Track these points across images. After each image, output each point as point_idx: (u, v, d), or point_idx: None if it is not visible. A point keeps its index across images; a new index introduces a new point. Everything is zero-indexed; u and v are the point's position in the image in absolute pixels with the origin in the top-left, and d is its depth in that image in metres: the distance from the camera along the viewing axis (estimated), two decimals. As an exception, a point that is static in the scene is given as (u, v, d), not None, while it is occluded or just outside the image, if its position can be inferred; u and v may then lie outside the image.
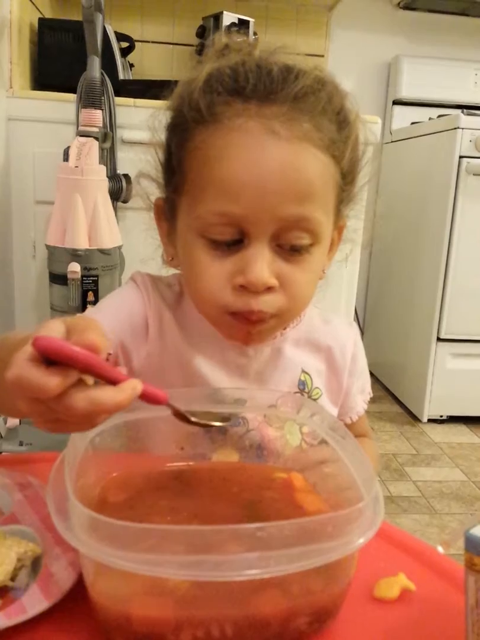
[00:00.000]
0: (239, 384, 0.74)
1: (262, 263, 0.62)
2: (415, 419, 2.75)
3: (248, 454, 0.65)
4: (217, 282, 0.64)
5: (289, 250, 0.64)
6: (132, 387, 0.44)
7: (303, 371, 0.78)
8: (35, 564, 0.52)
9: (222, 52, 0.67)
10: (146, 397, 0.46)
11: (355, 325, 0.85)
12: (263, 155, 0.60)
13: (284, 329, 0.76)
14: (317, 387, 0.79)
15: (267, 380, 0.76)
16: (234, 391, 0.68)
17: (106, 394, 0.42)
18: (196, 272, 0.66)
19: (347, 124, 0.66)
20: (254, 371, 0.75)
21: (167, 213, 0.71)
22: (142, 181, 0.74)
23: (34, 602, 0.48)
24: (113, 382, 0.43)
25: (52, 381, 0.40)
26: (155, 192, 0.74)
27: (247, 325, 0.66)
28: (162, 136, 0.70)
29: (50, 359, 0.41)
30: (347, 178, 0.67)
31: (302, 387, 0.77)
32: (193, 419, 0.53)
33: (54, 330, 0.43)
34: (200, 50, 2.50)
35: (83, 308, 1.61)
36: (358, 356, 0.82)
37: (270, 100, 0.61)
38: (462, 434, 2.64)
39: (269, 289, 0.63)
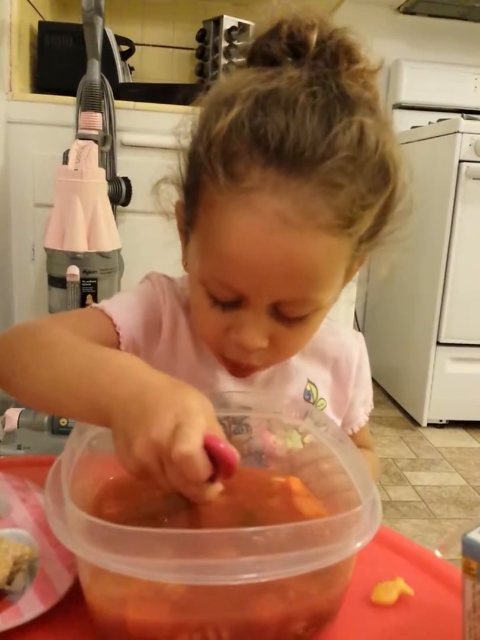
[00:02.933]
0: None
1: (255, 329, 0.61)
2: (414, 423, 2.75)
3: (248, 460, 0.65)
4: (215, 329, 0.64)
5: (288, 318, 0.62)
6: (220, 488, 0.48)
7: (309, 381, 0.77)
8: (32, 567, 0.52)
9: (271, 34, 0.60)
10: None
11: (361, 336, 0.84)
12: (269, 242, 0.55)
13: None
14: (322, 398, 0.78)
15: (273, 389, 0.76)
16: (240, 396, 0.67)
17: (211, 491, 0.47)
18: (197, 311, 0.67)
19: (383, 184, 0.59)
20: (260, 380, 0.75)
21: (184, 222, 0.68)
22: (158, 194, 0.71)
23: (30, 605, 0.48)
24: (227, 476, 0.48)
25: (207, 473, 0.45)
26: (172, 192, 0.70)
27: (237, 371, 0.68)
28: (185, 142, 0.64)
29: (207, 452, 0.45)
30: (365, 236, 0.62)
31: (308, 397, 0.77)
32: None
33: (204, 410, 0.48)
34: (200, 53, 2.51)
35: (82, 311, 1.60)
36: (363, 368, 0.81)
37: (293, 174, 0.54)
38: (461, 439, 2.64)
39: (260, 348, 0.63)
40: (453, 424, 2.73)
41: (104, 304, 0.71)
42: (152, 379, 0.50)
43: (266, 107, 0.55)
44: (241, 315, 0.61)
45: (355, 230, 0.58)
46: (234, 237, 0.57)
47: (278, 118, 0.54)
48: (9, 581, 0.50)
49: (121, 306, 0.72)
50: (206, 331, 0.66)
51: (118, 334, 0.69)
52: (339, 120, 0.55)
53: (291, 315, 0.61)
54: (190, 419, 0.45)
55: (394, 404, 2.96)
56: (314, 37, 0.59)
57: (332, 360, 0.79)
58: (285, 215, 0.54)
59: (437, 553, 0.57)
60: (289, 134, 0.54)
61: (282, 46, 0.59)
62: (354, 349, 0.81)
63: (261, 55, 0.61)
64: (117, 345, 0.69)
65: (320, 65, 0.58)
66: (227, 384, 0.73)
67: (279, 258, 0.56)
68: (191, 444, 0.44)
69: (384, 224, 0.63)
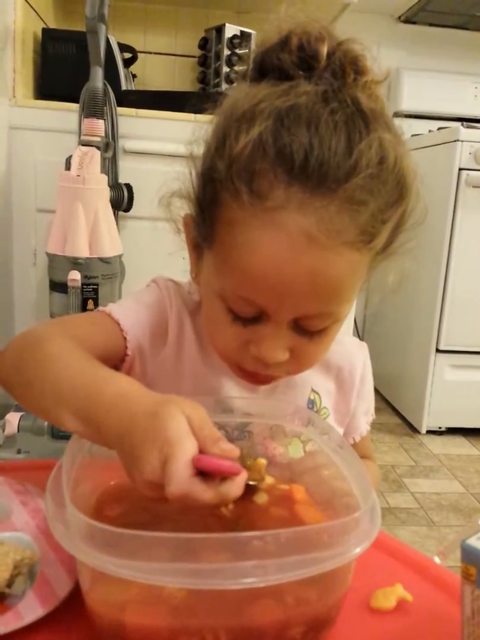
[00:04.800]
0: None
1: (276, 343, 0.60)
2: (414, 430, 2.75)
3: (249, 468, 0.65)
4: (233, 343, 0.63)
5: (308, 331, 0.62)
6: (243, 479, 0.48)
7: (313, 390, 0.77)
8: (32, 571, 0.52)
9: (280, 45, 0.59)
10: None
11: (365, 346, 0.83)
12: (295, 261, 0.55)
13: None
14: (325, 407, 0.78)
15: (277, 398, 0.75)
16: (243, 402, 0.68)
17: (231, 489, 0.47)
18: (214, 326, 0.65)
19: (401, 198, 0.60)
20: (264, 389, 0.74)
21: (195, 238, 0.67)
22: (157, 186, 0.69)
23: (30, 609, 0.48)
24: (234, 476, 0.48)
25: (208, 495, 0.45)
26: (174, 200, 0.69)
27: (253, 381, 0.68)
28: (197, 151, 0.64)
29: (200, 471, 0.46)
30: (381, 249, 0.62)
31: (311, 406, 0.76)
32: (250, 482, 0.55)
33: (187, 430, 0.47)
34: (203, 61, 2.52)
35: (83, 316, 1.60)
36: (366, 378, 0.81)
37: (318, 192, 0.54)
38: (460, 446, 2.64)
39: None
40: (452, 431, 2.73)
41: (111, 307, 0.71)
42: (139, 408, 0.49)
43: (289, 126, 0.55)
44: (262, 329, 0.61)
45: (376, 244, 0.59)
46: (259, 256, 0.56)
47: (302, 136, 0.54)
48: (9, 584, 0.51)
49: (128, 310, 0.71)
50: (223, 345, 0.65)
51: (125, 338, 0.69)
52: (360, 137, 0.55)
53: (312, 329, 0.61)
54: (173, 450, 0.45)
55: (393, 411, 2.95)
56: (324, 49, 0.58)
57: (336, 369, 0.79)
58: (311, 234, 0.54)
59: (436, 559, 0.57)
60: (313, 153, 0.53)
61: (292, 59, 0.59)
62: (358, 359, 0.80)
63: (271, 68, 0.60)
64: (123, 349, 0.69)
65: (329, 77, 0.58)
66: (232, 389, 0.73)
67: (304, 276, 0.56)
68: (178, 484, 0.44)
69: (397, 236, 0.64)
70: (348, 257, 0.57)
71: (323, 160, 0.53)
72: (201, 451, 0.46)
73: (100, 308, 0.72)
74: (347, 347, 0.80)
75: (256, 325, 0.61)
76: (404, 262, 0.68)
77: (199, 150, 0.63)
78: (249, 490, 0.58)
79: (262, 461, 0.59)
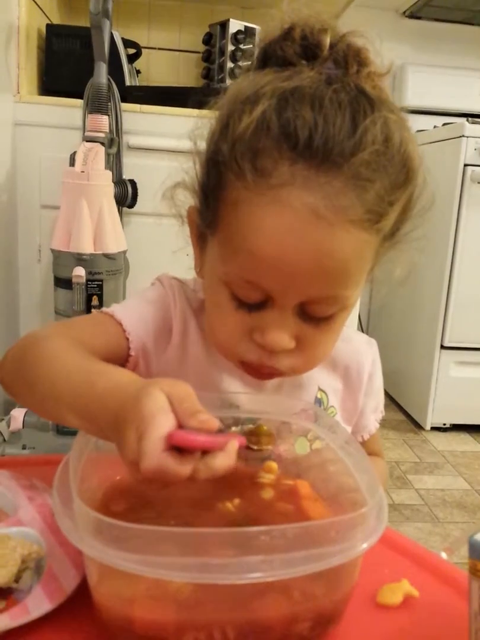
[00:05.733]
0: None
1: (282, 328, 0.59)
2: (418, 426, 2.75)
3: (255, 464, 0.65)
4: (235, 333, 0.62)
5: (314, 317, 0.61)
6: (234, 448, 0.48)
7: (319, 389, 0.76)
8: (39, 565, 0.52)
9: (284, 37, 0.60)
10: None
11: (374, 343, 0.83)
12: (301, 238, 0.55)
13: None
14: (332, 406, 0.77)
15: (284, 396, 0.74)
16: (249, 399, 0.67)
17: (219, 461, 0.47)
18: (216, 315, 0.64)
19: (407, 180, 0.60)
20: (270, 388, 0.74)
21: (199, 228, 0.67)
22: (170, 197, 0.70)
23: (37, 603, 0.48)
24: (221, 449, 0.47)
25: (186, 469, 0.45)
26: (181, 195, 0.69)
27: (257, 375, 0.66)
28: (201, 145, 0.64)
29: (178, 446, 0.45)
30: (388, 233, 0.62)
31: (319, 405, 0.76)
32: (254, 447, 0.56)
33: (163, 407, 0.46)
34: (207, 57, 2.51)
35: (87, 312, 1.61)
36: (375, 375, 0.80)
37: (323, 168, 0.53)
38: (465, 443, 2.63)
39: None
40: (457, 427, 2.73)
41: (114, 308, 0.71)
42: (127, 396, 0.49)
43: (293, 104, 0.54)
44: (267, 315, 0.60)
45: (382, 226, 0.58)
46: (264, 233, 0.56)
47: (306, 114, 0.54)
48: (17, 579, 0.50)
49: (131, 311, 0.71)
50: (226, 336, 0.64)
51: (128, 339, 0.69)
52: (364, 115, 0.55)
53: (318, 314, 0.61)
54: (146, 427, 0.45)
55: (398, 408, 2.95)
56: (327, 40, 0.59)
57: (343, 367, 0.78)
58: (316, 210, 0.54)
59: (443, 555, 0.57)
60: (318, 129, 0.53)
61: (295, 49, 0.59)
62: (366, 357, 0.79)
63: (274, 59, 0.61)
64: (126, 350, 0.69)
65: (332, 68, 0.59)
66: (237, 388, 0.72)
67: (310, 253, 0.55)
68: (150, 459, 0.44)
69: (404, 222, 0.64)
70: (355, 235, 0.56)
71: (328, 136, 0.53)
72: (180, 426, 0.46)
73: (103, 309, 0.72)
74: (355, 345, 0.80)
75: (261, 311, 0.60)
76: (411, 254, 0.68)
77: (202, 142, 0.63)
78: (256, 486, 0.59)
79: (264, 427, 0.58)
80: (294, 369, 0.65)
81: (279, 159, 0.54)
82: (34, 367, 0.60)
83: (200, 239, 0.67)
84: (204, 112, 0.63)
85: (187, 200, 0.68)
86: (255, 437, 0.59)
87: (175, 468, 0.44)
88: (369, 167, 0.55)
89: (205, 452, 0.46)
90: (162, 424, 0.45)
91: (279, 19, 0.61)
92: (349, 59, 0.59)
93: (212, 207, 0.62)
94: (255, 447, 0.56)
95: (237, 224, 0.58)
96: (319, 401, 0.76)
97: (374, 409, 0.82)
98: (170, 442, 0.44)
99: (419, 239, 0.67)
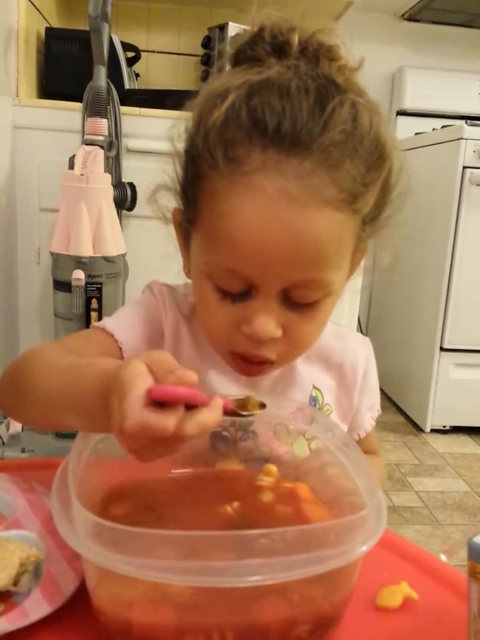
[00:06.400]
0: None
1: (267, 316, 0.60)
2: (418, 429, 2.75)
3: (255, 466, 0.65)
4: (223, 325, 0.63)
5: (298, 303, 0.61)
6: (219, 404, 0.48)
7: (314, 387, 0.76)
8: (38, 569, 0.52)
9: (255, 39, 0.62)
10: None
11: (369, 342, 0.83)
12: (275, 220, 0.56)
13: None
14: (327, 404, 0.77)
15: (279, 396, 0.75)
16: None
17: (207, 416, 0.46)
18: (204, 310, 0.65)
19: (379, 162, 0.60)
20: (264, 387, 0.74)
21: (184, 227, 0.68)
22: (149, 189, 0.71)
23: (35, 607, 0.48)
24: (204, 404, 0.47)
25: (170, 421, 0.44)
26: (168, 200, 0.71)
27: (249, 367, 0.66)
28: (180, 147, 0.66)
29: (158, 401, 0.45)
30: (368, 218, 0.63)
31: (314, 403, 0.76)
32: (244, 413, 0.55)
33: (142, 371, 0.46)
34: (206, 60, 2.52)
35: (87, 315, 1.61)
36: (370, 374, 0.80)
37: (293, 151, 0.55)
38: (465, 445, 2.63)
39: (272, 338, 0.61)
40: (456, 429, 2.73)
41: (105, 321, 0.72)
42: (111, 376, 0.50)
43: (261, 93, 0.56)
44: (251, 305, 0.60)
45: (359, 208, 0.59)
46: (240, 219, 0.57)
47: (273, 101, 0.56)
48: (15, 582, 0.51)
49: (122, 322, 0.72)
50: (215, 329, 0.65)
51: (120, 349, 0.70)
52: (331, 98, 0.57)
53: (302, 301, 0.61)
54: (125, 391, 0.45)
55: (398, 410, 2.95)
56: (295, 38, 0.61)
57: (337, 366, 0.78)
58: (288, 192, 0.55)
59: (443, 558, 0.57)
60: (286, 114, 0.55)
61: (265, 48, 0.61)
62: (360, 355, 0.80)
63: (245, 58, 0.63)
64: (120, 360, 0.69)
65: (303, 63, 0.60)
66: (231, 389, 0.72)
67: (285, 235, 0.56)
68: (131, 417, 0.44)
69: (384, 206, 0.65)
70: (329, 215, 0.57)
71: (295, 120, 0.55)
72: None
73: (94, 324, 0.73)
74: (349, 344, 0.80)
75: (246, 301, 0.61)
76: (396, 240, 0.69)
77: (180, 143, 0.65)
78: (255, 489, 0.59)
79: (253, 399, 0.57)
80: (283, 357, 0.65)
81: (250, 147, 0.56)
82: (26, 376, 0.62)
83: (186, 238, 0.68)
84: (181, 113, 0.65)
85: (173, 203, 0.69)
86: (244, 407, 0.59)
87: (157, 421, 0.44)
88: (339, 146, 0.56)
89: (190, 408, 0.46)
90: (141, 385, 0.45)
91: (250, 23, 0.63)
92: (319, 55, 0.61)
93: (192, 201, 0.63)
94: (244, 413, 0.56)
95: (215, 214, 0.59)
96: (313, 399, 0.76)
97: (370, 407, 0.82)
98: (151, 397, 0.44)
99: (401, 225, 0.68)
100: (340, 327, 0.81)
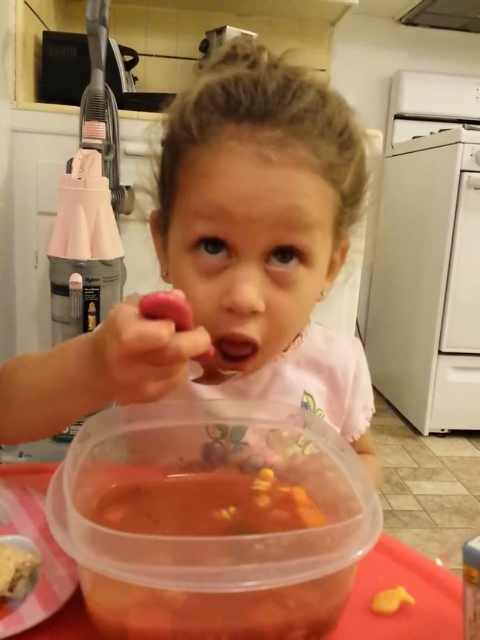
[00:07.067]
0: None
1: (250, 284, 0.60)
2: (416, 432, 2.75)
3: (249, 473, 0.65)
4: (206, 303, 0.62)
5: (279, 273, 0.62)
6: (204, 329, 0.52)
7: (305, 393, 0.76)
8: (33, 574, 0.52)
9: (227, 57, 0.65)
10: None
11: (359, 342, 0.83)
12: (253, 178, 0.58)
13: (284, 350, 0.75)
14: (319, 409, 0.77)
15: (271, 401, 0.74)
16: (236, 407, 0.66)
17: (198, 335, 0.51)
18: (185, 292, 0.64)
19: (350, 144, 0.63)
20: (255, 395, 0.74)
21: (161, 227, 0.70)
22: (138, 194, 0.73)
23: (31, 612, 0.48)
24: (191, 328, 0.51)
25: (164, 330, 0.47)
26: (152, 205, 0.73)
27: (230, 362, 0.64)
28: (158, 149, 0.68)
29: (150, 316, 0.48)
30: (348, 200, 0.65)
31: (305, 409, 0.75)
32: (226, 372, 0.59)
33: (123, 304, 0.50)
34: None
35: (85, 319, 1.61)
36: (361, 375, 0.80)
37: (264, 123, 0.58)
38: (463, 448, 2.63)
39: (255, 313, 0.61)
40: (455, 433, 2.73)
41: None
42: (96, 335, 0.53)
43: (232, 79, 0.61)
44: (233, 274, 0.61)
45: (336, 179, 0.62)
46: (218, 179, 0.59)
47: (245, 82, 0.60)
48: (11, 588, 0.50)
49: None
50: (196, 310, 0.62)
51: None
52: (300, 80, 0.61)
53: (282, 269, 0.62)
54: (116, 315, 0.49)
55: (396, 413, 2.95)
56: (265, 55, 0.64)
57: (327, 369, 0.78)
58: (264, 154, 0.58)
59: (439, 562, 0.57)
60: (257, 92, 0.59)
61: (238, 64, 0.64)
62: (350, 357, 0.80)
63: None
64: None
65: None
66: (217, 395, 0.72)
67: (265, 191, 0.58)
68: (128, 327, 0.47)
69: (360, 194, 0.67)
70: (308, 177, 0.59)
71: (267, 98, 0.59)
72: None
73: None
74: (338, 346, 0.80)
75: (226, 271, 0.61)
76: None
77: (157, 145, 0.68)
78: (252, 493, 0.58)
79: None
80: (267, 341, 0.64)
81: (225, 122, 0.60)
82: (8, 382, 0.63)
83: (164, 236, 0.69)
84: (158, 116, 0.67)
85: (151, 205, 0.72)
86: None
87: (153, 329, 0.47)
88: (309, 118, 0.59)
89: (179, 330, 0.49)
90: (131, 308, 0.49)
91: (223, 47, 0.66)
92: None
93: (170, 185, 0.65)
94: (226, 372, 0.59)
95: (194, 180, 0.61)
96: (305, 405, 0.76)
97: (363, 408, 0.82)
98: (143, 309, 0.48)
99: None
100: (327, 329, 0.81)
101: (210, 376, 0.58)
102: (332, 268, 0.71)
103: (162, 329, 0.47)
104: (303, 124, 0.59)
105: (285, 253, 0.62)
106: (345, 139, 0.62)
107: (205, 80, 0.62)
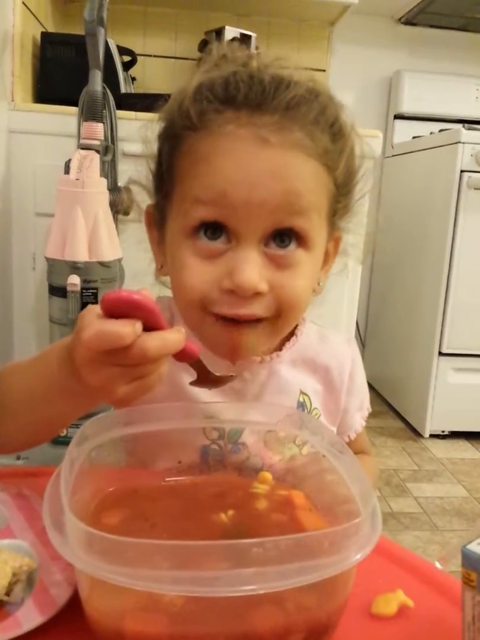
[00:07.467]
0: None
1: (251, 266, 0.60)
2: (417, 434, 2.74)
3: (248, 475, 0.64)
4: (204, 284, 0.62)
5: (279, 256, 0.62)
6: (180, 329, 0.50)
7: (302, 392, 0.76)
8: (31, 578, 0.52)
9: (218, 62, 0.66)
10: (185, 348, 0.52)
11: (354, 341, 0.83)
12: (252, 158, 0.60)
13: (280, 350, 0.75)
14: (315, 408, 0.77)
15: (267, 403, 0.74)
16: (232, 409, 0.66)
17: (169, 334, 0.49)
18: (183, 274, 0.64)
19: (341, 136, 0.65)
20: (251, 395, 0.74)
21: (157, 220, 0.70)
22: (134, 190, 0.74)
23: (28, 617, 0.47)
24: (163, 328, 0.49)
25: (126, 328, 0.46)
26: (147, 201, 0.74)
27: (235, 332, 0.63)
28: (154, 146, 0.69)
29: (114, 315, 0.47)
30: (341, 189, 0.67)
31: (302, 409, 0.75)
32: (217, 374, 0.57)
33: (89, 314, 0.49)
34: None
35: (83, 321, 1.60)
36: (356, 374, 0.80)
37: (261, 109, 0.60)
38: (464, 450, 2.62)
39: (258, 294, 0.61)
40: (455, 434, 2.72)
41: None
42: (71, 341, 0.52)
43: (230, 73, 0.63)
44: (234, 258, 0.61)
45: (331, 165, 0.64)
46: (219, 160, 0.60)
47: (242, 75, 0.62)
48: (8, 592, 0.50)
49: None
50: (197, 289, 0.63)
51: None
52: (291, 75, 0.63)
53: (281, 252, 0.62)
54: (81, 320, 0.48)
55: (396, 415, 2.94)
56: (254, 63, 0.65)
57: (323, 368, 0.78)
58: (263, 136, 0.60)
59: (438, 565, 0.57)
60: (254, 83, 0.61)
61: (230, 66, 0.65)
62: (346, 356, 0.80)
63: None
64: None
65: None
66: (216, 397, 0.71)
67: (265, 173, 0.59)
68: (88, 326, 0.47)
69: (352, 186, 0.69)
70: (305, 160, 0.61)
71: (263, 86, 0.61)
72: None
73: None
74: (333, 345, 0.80)
75: (226, 255, 0.62)
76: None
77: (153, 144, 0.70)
78: (250, 496, 0.58)
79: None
80: (271, 311, 0.64)
81: (223, 110, 0.61)
82: (1, 390, 0.63)
83: (160, 229, 0.70)
84: (156, 116, 0.69)
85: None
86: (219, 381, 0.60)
87: (113, 328, 0.46)
88: (303, 106, 0.61)
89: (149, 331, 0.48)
90: (94, 310, 0.48)
91: (214, 55, 0.68)
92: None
93: (168, 174, 0.66)
94: (217, 373, 0.58)
95: (193, 167, 0.62)
96: (301, 405, 0.76)
97: (359, 407, 0.82)
98: (105, 305, 0.47)
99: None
100: (322, 328, 0.81)
101: (204, 380, 0.57)
102: (326, 259, 0.72)
103: (123, 328, 0.46)
104: (298, 110, 0.61)
105: (284, 237, 0.63)
106: (337, 131, 0.65)
107: (203, 75, 0.64)
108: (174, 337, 0.49)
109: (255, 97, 0.61)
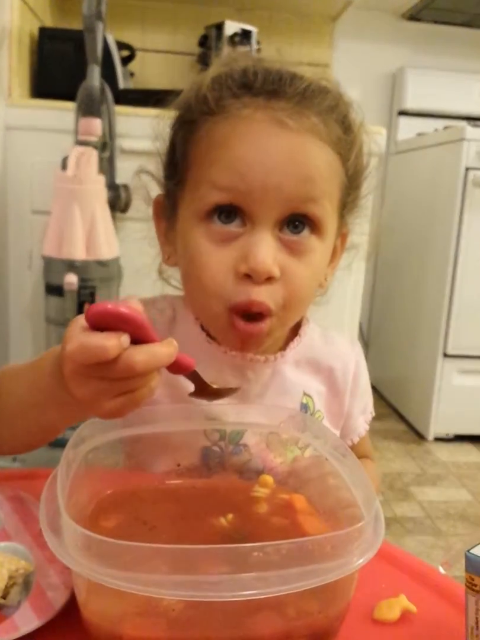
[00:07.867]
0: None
1: (266, 248, 0.61)
2: (420, 437, 2.71)
3: (248, 479, 0.64)
4: (220, 270, 0.62)
5: (292, 241, 0.63)
6: (171, 342, 0.48)
7: (305, 394, 0.75)
8: (27, 581, 0.52)
9: (229, 61, 0.67)
10: (178, 360, 0.50)
11: (358, 343, 0.82)
12: (269, 141, 0.61)
13: (284, 350, 0.74)
14: (319, 410, 0.76)
15: (269, 405, 0.73)
16: (235, 410, 0.66)
17: (158, 347, 0.47)
18: (197, 261, 0.64)
19: (351, 130, 0.67)
20: (254, 395, 0.73)
21: (167, 209, 0.70)
22: (138, 184, 0.74)
23: (25, 620, 0.47)
24: (154, 341, 0.47)
25: (110, 341, 0.44)
26: (148, 198, 0.74)
27: (246, 324, 0.63)
28: (165, 140, 0.70)
29: (100, 328, 0.45)
30: (352, 182, 0.68)
31: (305, 411, 0.75)
32: (215, 386, 0.56)
33: (73, 327, 0.47)
34: (202, 59, 2.51)
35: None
36: (360, 376, 0.79)
37: (278, 95, 0.62)
38: (468, 453, 2.60)
39: (270, 279, 0.61)
40: (460, 438, 2.68)
41: None
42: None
43: (249, 65, 0.65)
44: (248, 242, 0.61)
45: (344, 154, 0.65)
46: (236, 142, 0.61)
47: (258, 67, 0.64)
48: (5, 595, 0.50)
49: None
50: (211, 281, 0.63)
51: None
52: (303, 74, 0.65)
53: (294, 237, 0.63)
54: (67, 332, 0.47)
55: (400, 418, 2.91)
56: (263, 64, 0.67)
57: (327, 369, 0.77)
58: (280, 119, 0.61)
59: (441, 569, 0.57)
60: (270, 73, 0.63)
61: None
62: (350, 358, 0.79)
63: None
64: None
65: None
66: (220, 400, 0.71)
67: (281, 155, 0.61)
68: (71, 339, 0.45)
69: (361, 180, 0.70)
70: (320, 146, 0.62)
71: (280, 75, 0.63)
72: None
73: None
74: (338, 347, 0.79)
75: (241, 239, 0.62)
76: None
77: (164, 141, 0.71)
78: (251, 500, 0.58)
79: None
80: (279, 304, 0.64)
81: (240, 96, 0.63)
82: None
83: (168, 221, 0.70)
84: (154, 112, 0.70)
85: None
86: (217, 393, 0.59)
87: (97, 341, 0.44)
88: (317, 94, 0.63)
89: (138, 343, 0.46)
90: (79, 321, 0.47)
91: (223, 59, 0.69)
92: None
93: (182, 161, 0.67)
94: (215, 385, 0.56)
95: (210, 152, 0.63)
96: (304, 406, 0.75)
97: (362, 410, 0.81)
98: (90, 318, 0.45)
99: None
100: (326, 330, 0.80)
101: (203, 392, 0.56)
102: (334, 255, 0.72)
103: (108, 341, 0.44)
104: (313, 99, 0.63)
105: (298, 223, 0.63)
106: (347, 125, 0.66)
107: (218, 68, 0.66)
108: (164, 350, 0.47)
109: (272, 84, 0.62)
